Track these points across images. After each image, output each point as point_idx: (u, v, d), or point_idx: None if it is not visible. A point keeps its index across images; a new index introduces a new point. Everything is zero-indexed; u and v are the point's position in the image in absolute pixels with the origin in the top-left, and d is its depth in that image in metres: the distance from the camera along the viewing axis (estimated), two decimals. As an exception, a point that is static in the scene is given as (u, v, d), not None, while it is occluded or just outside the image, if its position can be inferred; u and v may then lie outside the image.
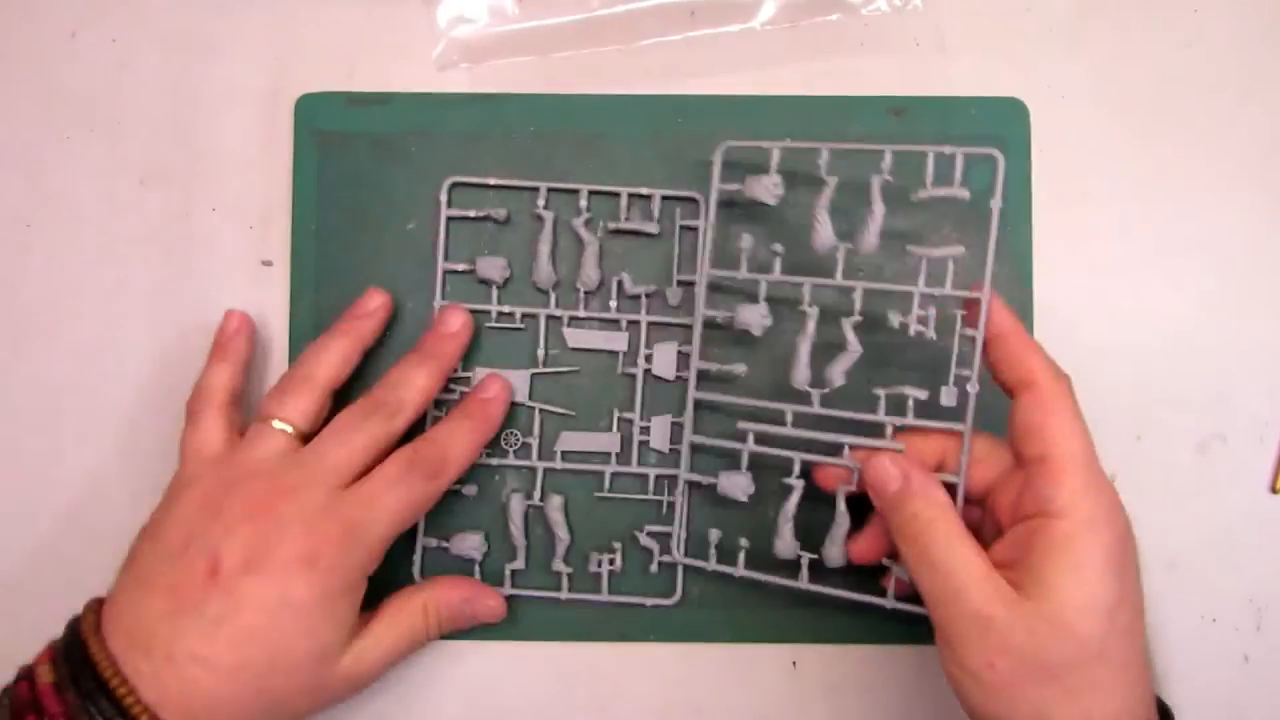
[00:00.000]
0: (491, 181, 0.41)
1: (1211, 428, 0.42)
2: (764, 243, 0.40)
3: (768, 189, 0.38)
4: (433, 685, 0.41)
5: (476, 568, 0.41)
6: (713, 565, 0.40)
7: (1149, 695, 0.34)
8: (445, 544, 0.41)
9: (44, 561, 0.42)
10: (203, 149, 0.42)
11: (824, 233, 0.38)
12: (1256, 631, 0.42)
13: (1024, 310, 0.42)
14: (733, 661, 0.42)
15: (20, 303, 0.42)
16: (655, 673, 0.42)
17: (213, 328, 0.41)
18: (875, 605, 0.38)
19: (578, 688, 0.42)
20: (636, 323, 0.41)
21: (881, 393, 0.38)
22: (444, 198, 0.41)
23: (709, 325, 0.40)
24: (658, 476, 0.41)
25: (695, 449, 0.40)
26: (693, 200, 0.41)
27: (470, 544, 0.41)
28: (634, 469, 0.41)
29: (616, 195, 0.41)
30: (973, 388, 0.37)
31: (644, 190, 0.41)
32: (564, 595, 0.41)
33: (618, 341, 0.41)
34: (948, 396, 0.37)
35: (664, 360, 0.41)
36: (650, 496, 0.41)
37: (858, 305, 0.38)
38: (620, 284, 0.41)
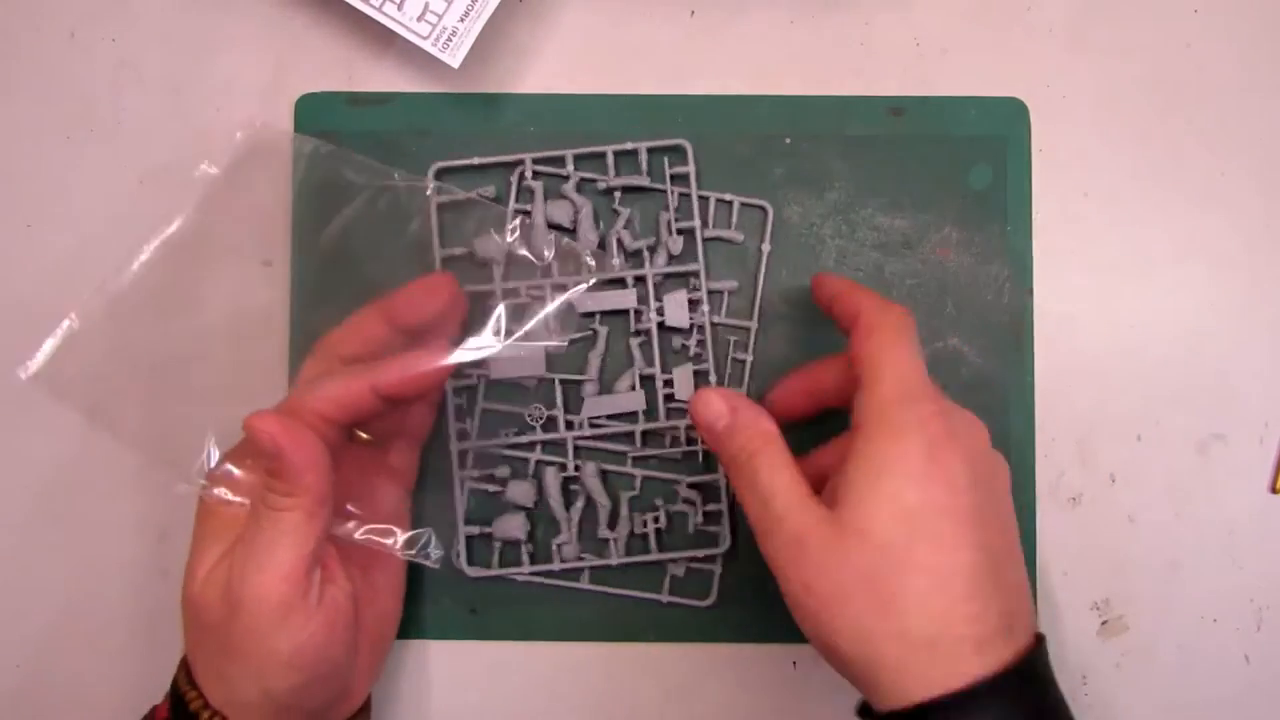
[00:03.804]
0: (476, 161, 0.41)
1: (1211, 428, 0.42)
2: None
3: (498, 246, 0.40)
4: (431, 685, 0.42)
5: (524, 549, 0.41)
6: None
7: (995, 614, 0.31)
8: (488, 530, 0.41)
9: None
10: (203, 149, 0.42)
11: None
12: (1256, 631, 0.42)
13: (1024, 310, 0.42)
14: (733, 661, 0.42)
15: (20, 303, 0.42)
16: (655, 672, 0.42)
17: (213, 329, 0.41)
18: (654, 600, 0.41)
19: (577, 687, 0.42)
20: (643, 278, 0.41)
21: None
22: (431, 184, 0.41)
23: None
24: (689, 427, 0.41)
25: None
26: (679, 148, 0.41)
27: (513, 526, 0.41)
28: (663, 423, 0.41)
29: (602, 155, 0.41)
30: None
31: (628, 145, 0.41)
32: (615, 560, 0.41)
33: (627, 299, 0.41)
34: None
35: (676, 309, 0.41)
36: (684, 448, 0.41)
37: (654, 325, 0.41)
38: (620, 241, 0.41)
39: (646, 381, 0.41)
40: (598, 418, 0.41)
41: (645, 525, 0.41)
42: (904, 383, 0.33)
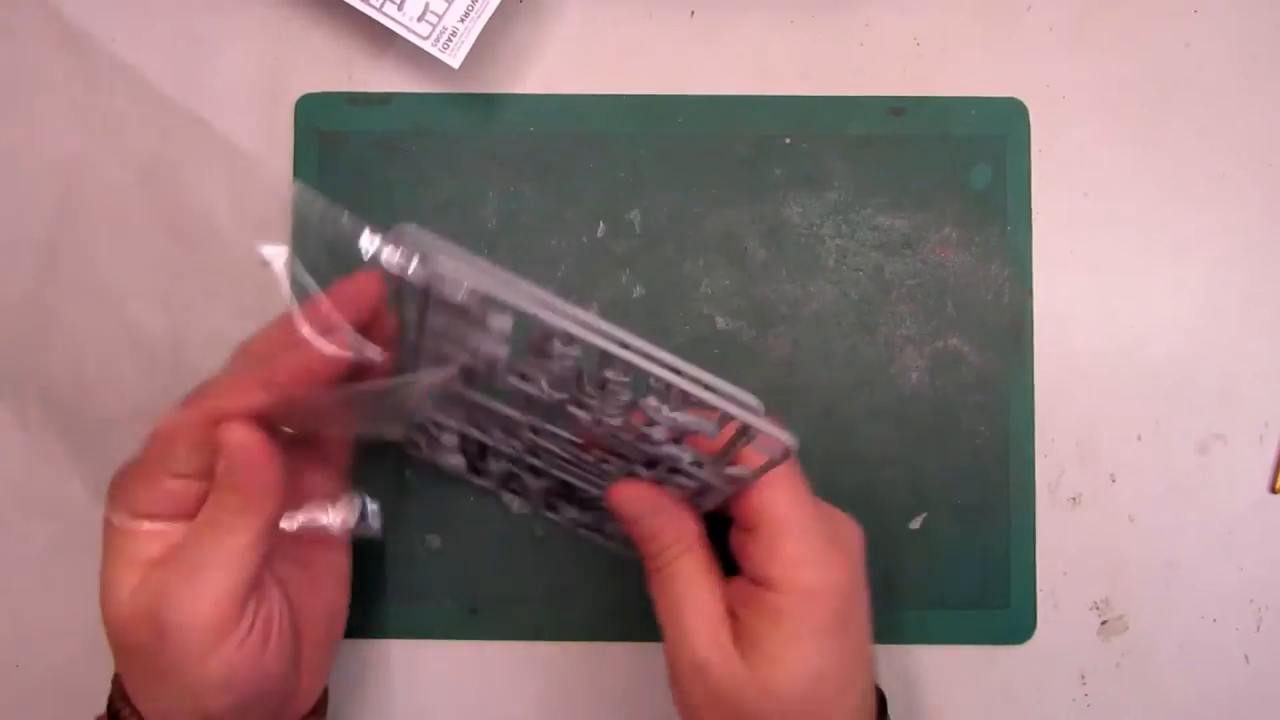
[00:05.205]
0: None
1: (1211, 428, 0.42)
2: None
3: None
4: (432, 685, 0.42)
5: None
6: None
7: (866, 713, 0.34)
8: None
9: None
10: (203, 149, 0.42)
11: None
12: (1256, 631, 0.42)
13: (1024, 310, 0.42)
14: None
15: (20, 303, 0.42)
16: (651, 672, 0.41)
17: (213, 329, 0.41)
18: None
19: (578, 687, 0.42)
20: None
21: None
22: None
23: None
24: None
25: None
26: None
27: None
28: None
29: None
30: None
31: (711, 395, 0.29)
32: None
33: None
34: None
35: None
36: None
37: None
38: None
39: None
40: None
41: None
42: (807, 535, 0.33)
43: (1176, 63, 0.43)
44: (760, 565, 0.33)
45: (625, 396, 0.30)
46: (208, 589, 0.31)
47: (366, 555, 0.41)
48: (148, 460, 0.32)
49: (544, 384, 0.31)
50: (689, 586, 0.34)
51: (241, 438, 0.31)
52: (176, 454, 0.32)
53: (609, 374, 0.30)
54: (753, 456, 0.31)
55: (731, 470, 0.32)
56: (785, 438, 0.30)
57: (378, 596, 0.41)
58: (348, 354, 0.33)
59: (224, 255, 0.42)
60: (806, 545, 0.33)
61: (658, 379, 0.29)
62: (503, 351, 0.29)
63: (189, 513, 0.32)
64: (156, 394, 0.41)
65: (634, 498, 0.34)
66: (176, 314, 0.42)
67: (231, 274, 0.42)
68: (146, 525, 0.32)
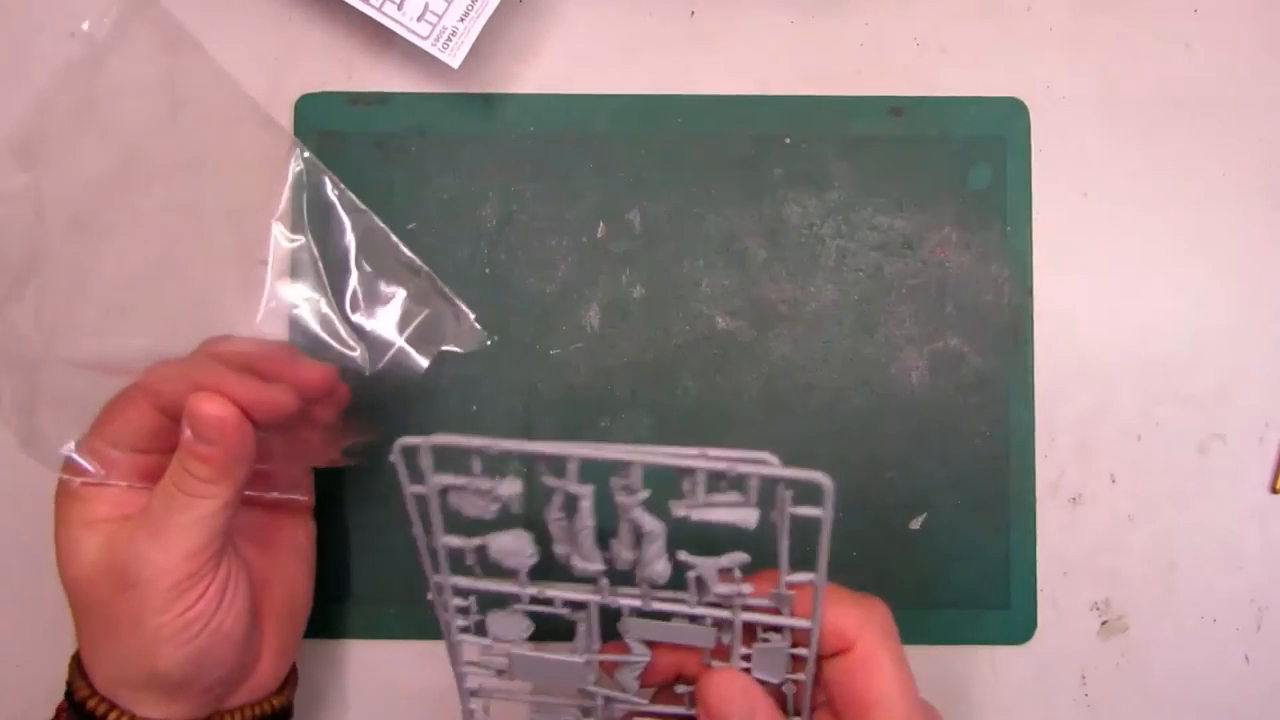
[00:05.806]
0: (476, 443, 0.29)
1: (1211, 428, 0.42)
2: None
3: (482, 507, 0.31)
4: (431, 684, 0.42)
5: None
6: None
7: None
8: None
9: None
10: (203, 149, 0.42)
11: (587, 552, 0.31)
12: (1256, 631, 0.42)
13: (1024, 310, 0.42)
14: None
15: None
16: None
17: (212, 329, 0.41)
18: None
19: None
20: (727, 621, 0.32)
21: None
22: (429, 462, 0.30)
23: None
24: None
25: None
26: (812, 485, 0.28)
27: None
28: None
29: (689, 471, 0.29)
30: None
31: (725, 463, 0.28)
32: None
33: (703, 638, 0.32)
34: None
35: (769, 662, 0.32)
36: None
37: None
38: (701, 582, 0.31)
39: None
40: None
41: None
42: None
43: (1176, 63, 0.43)
44: None
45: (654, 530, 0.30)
46: (174, 548, 0.32)
47: (367, 556, 0.41)
48: (107, 425, 0.34)
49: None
50: None
51: (216, 408, 0.32)
52: (129, 425, 0.34)
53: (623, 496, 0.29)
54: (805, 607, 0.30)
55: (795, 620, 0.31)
56: (819, 476, 0.27)
57: (378, 598, 0.41)
58: (333, 371, 0.35)
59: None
60: None
61: (670, 465, 0.29)
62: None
63: (141, 477, 0.34)
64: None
65: (734, 689, 0.31)
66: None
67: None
68: (115, 485, 0.34)
